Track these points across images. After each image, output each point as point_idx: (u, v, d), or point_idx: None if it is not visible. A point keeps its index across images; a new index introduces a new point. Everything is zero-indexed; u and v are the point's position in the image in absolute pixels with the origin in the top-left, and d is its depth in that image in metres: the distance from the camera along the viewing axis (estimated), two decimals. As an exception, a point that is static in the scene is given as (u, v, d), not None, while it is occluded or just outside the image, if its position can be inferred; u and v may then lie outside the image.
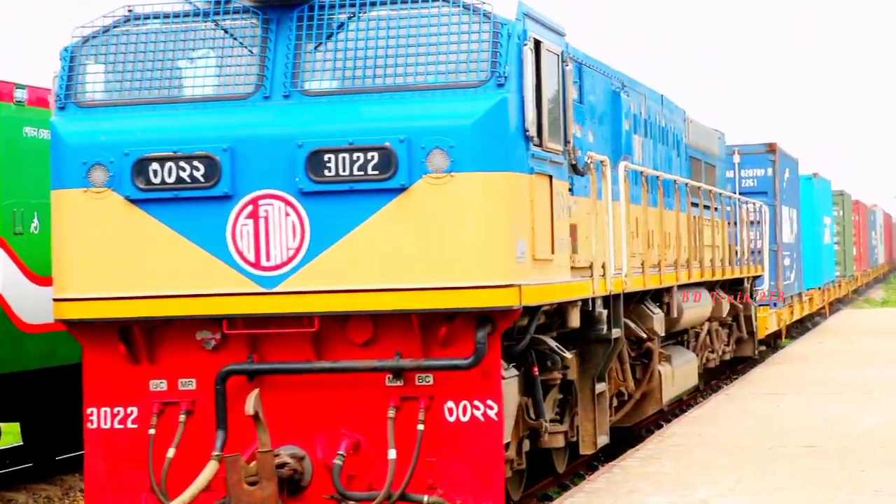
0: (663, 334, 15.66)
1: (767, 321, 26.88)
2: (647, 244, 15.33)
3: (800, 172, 35.53)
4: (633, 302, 15.03)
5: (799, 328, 35.22)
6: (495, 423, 10.26)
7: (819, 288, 39.17)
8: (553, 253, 11.09)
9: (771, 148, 28.85)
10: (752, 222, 26.55)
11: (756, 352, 24.61)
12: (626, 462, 13.28)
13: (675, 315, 16.11)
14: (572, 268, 12.25)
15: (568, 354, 11.90)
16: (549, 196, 11.07)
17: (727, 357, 23.06)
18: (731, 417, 16.50)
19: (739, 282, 22.79)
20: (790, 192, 31.57)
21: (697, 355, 19.30)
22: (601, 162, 12.94)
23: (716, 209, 21.67)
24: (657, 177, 16.19)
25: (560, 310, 11.92)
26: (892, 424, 15.28)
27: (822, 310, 40.48)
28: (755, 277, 24.44)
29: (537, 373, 11.60)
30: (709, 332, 20.30)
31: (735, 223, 23.01)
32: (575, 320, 12.02)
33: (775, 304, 28.70)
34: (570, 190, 12.81)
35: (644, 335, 14.89)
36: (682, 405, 19.96)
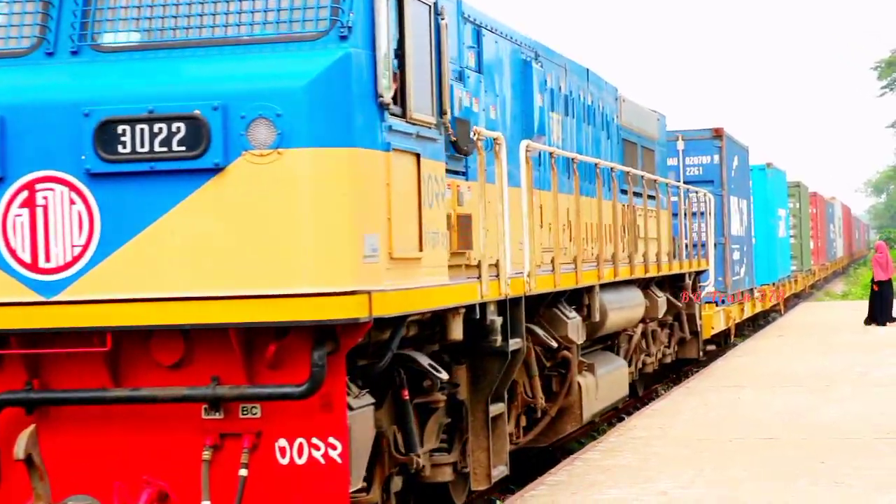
0: (581, 341, 13.52)
1: (714, 320, 24.82)
2: (560, 237, 13.20)
3: (752, 162, 33.57)
4: (545, 305, 12.89)
5: (751, 326, 33.21)
6: (339, 465, 8.09)
7: (773, 284, 37.18)
8: (421, 250, 8.93)
9: (717, 133, 26.79)
10: (697, 213, 24.55)
11: (701, 353, 22.54)
12: (587, 455, 13.22)
13: (597, 318, 13.99)
14: (459, 266, 10.10)
15: (443, 375, 9.72)
16: (415, 178, 8.90)
17: (668, 360, 21.00)
18: (692, 410, 16.45)
19: (681, 278, 20.72)
20: (740, 182, 29.54)
21: (630, 360, 17.19)
22: (493, 139, 10.78)
23: (651, 197, 19.57)
24: (572, 159, 14.03)
25: (439, 319, 9.78)
26: (850, 416, 15.21)
27: (777, 307, 38.49)
28: (699, 273, 22.37)
29: (408, 396, 9.46)
30: (644, 335, 18.20)
31: (681, 214, 20.96)
32: (457, 332, 9.86)
33: (723, 302, 26.65)
34: (462, 174, 10.67)
35: (556, 344, 12.75)
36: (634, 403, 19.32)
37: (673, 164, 26.52)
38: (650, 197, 19.95)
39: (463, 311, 9.89)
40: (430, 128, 9.21)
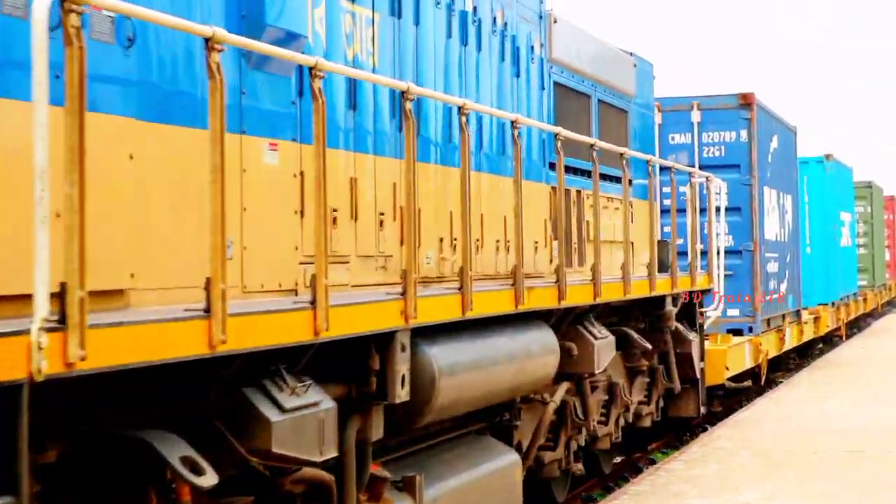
0: (328, 455, 6.61)
1: (731, 357, 17.86)
2: (345, 233, 6.51)
3: (805, 153, 26.68)
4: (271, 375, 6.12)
5: (794, 360, 26.04)
6: None
7: (832, 304, 30.06)
8: None
9: (745, 101, 19.81)
10: (710, 207, 17.67)
11: (702, 409, 15.64)
12: (670, 465, 13.03)
13: (400, 396, 7.10)
14: None
15: None
16: None
17: (647, 422, 14.15)
18: (776, 421, 16.16)
19: (673, 301, 13.88)
20: (781, 170, 22.53)
21: (529, 451, 10.30)
22: None
23: (616, 180, 12.81)
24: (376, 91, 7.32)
25: None
26: None
27: (837, 332, 31.31)
28: (702, 292, 15.46)
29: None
30: (582, 396, 11.37)
31: (674, 208, 14.13)
32: None
33: (750, 330, 19.66)
34: None
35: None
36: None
37: (684, 143, 19.66)
38: (613, 179, 13.19)
39: None
40: None
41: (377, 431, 7.01)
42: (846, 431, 14.85)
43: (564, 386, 10.72)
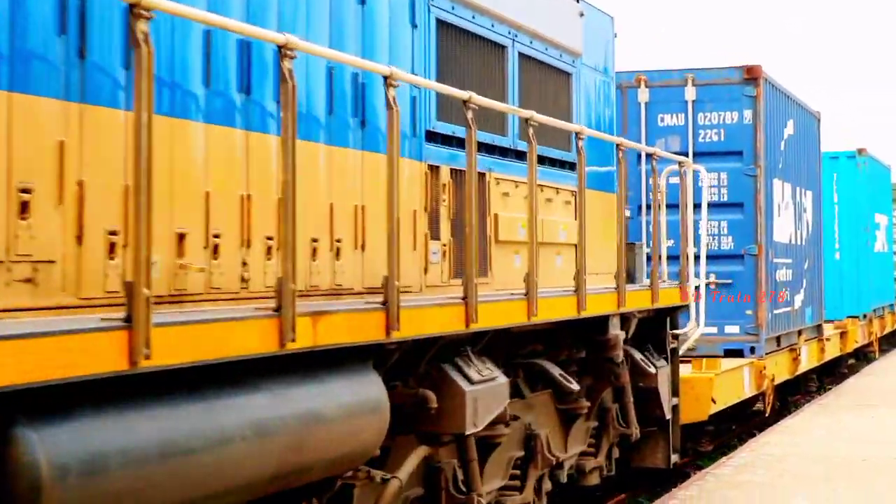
0: None
1: (718, 386, 14.47)
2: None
3: (834, 147, 23.23)
4: None
5: (815, 383, 22.49)
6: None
7: (864, 316, 26.57)
8: None
9: (751, 75, 16.36)
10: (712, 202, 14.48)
11: (673, 457, 12.30)
12: (718, 470, 12.78)
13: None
14: None
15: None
16: None
17: (593, 480, 10.86)
18: (825, 427, 15.88)
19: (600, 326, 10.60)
20: (798, 161, 19.10)
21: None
22: None
23: (561, 164, 9.55)
24: None
25: None
26: None
27: (869, 347, 27.79)
28: (674, 309, 12.12)
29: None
30: (464, 461, 8.05)
31: (649, 205, 10.93)
32: None
33: (752, 350, 16.26)
34: None
35: None
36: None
37: (675, 125, 16.39)
38: (556, 163, 9.97)
39: None
40: None
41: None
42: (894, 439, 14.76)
43: (421, 452, 7.40)
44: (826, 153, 27.16)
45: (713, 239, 16.25)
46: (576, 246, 9.71)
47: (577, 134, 9.66)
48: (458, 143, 8.46)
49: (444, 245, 8.34)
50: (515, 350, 9.15)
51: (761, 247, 16.23)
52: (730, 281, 16.20)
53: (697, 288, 14.18)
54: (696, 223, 16.02)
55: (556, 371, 9.15)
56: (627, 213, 13.42)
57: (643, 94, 16.42)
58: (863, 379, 22.32)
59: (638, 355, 11.00)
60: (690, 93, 16.32)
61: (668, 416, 11.90)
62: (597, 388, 10.71)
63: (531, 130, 8.45)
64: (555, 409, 10.04)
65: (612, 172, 11.67)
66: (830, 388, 22.49)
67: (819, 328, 20.93)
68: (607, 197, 11.57)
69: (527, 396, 9.26)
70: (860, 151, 26.84)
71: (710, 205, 16.27)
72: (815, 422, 16.39)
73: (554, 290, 9.00)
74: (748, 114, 16.29)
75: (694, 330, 12.60)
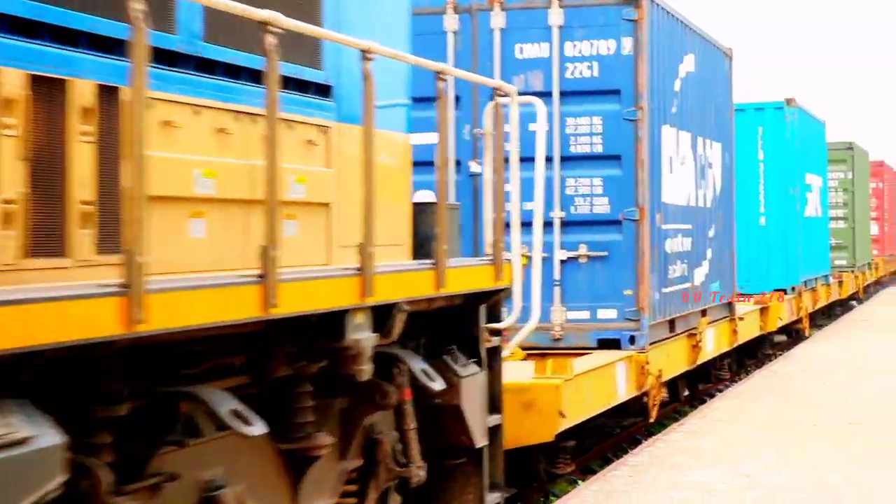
0: None
1: (569, 395, 11.05)
2: None
3: (760, 97, 19.99)
4: None
5: (730, 367, 19.13)
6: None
7: (792, 289, 23.39)
8: None
9: (629, -5, 12.99)
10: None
11: (491, 500, 8.91)
12: (669, 436, 12.83)
13: None
14: None
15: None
16: None
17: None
18: (775, 393, 15.94)
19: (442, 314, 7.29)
20: (701, 107, 15.76)
21: None
22: None
23: (291, 85, 6.05)
24: None
25: None
26: None
27: (798, 324, 24.58)
28: (491, 295, 8.74)
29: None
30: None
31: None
32: None
33: (632, 340, 12.93)
34: None
35: None
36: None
37: (537, 57, 13.10)
38: (291, 84, 6.55)
39: None
40: None
41: None
42: (846, 405, 14.78)
43: None
44: (750, 104, 23.98)
45: (584, 200, 12.94)
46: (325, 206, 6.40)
47: (364, 53, 6.55)
48: (54, 33, 5.12)
49: (10, 203, 4.97)
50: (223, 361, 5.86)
51: (643, 210, 12.90)
52: (605, 253, 12.91)
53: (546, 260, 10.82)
54: (549, 179, 12.74)
55: (225, 404, 5.72)
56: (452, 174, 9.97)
57: (497, 19, 13.06)
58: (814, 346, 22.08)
59: (418, 365, 7.63)
60: (556, 16, 12.95)
61: (481, 442, 8.57)
62: (355, 413, 7.38)
63: (270, 41, 5.35)
64: (274, 452, 6.69)
65: (398, 107, 8.30)
66: (749, 374, 19.32)
67: (730, 306, 17.66)
68: (393, 140, 8.20)
69: (190, 443, 5.87)
70: (788, 102, 23.65)
71: (581, 157, 13.00)
72: (765, 388, 16.60)
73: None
74: (627, 42, 12.93)
75: (520, 322, 9.21)
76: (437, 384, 7.69)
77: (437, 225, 7.81)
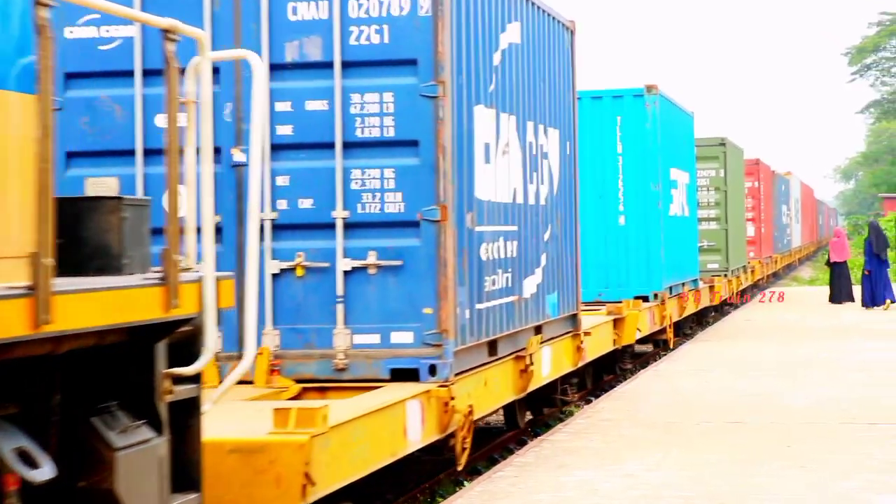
0: None
1: (318, 454, 8.40)
2: None
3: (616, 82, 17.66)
4: None
5: (573, 390, 16.60)
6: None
7: (654, 297, 21.10)
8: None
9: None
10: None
11: None
12: (554, 437, 13.08)
13: None
14: None
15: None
16: None
17: None
18: (660, 393, 16.21)
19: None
20: (533, 85, 13.28)
21: None
22: None
23: None
24: None
25: None
26: (818, 401, 15.14)
27: (662, 335, 22.24)
28: (171, 327, 6.16)
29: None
30: None
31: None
32: None
33: (432, 371, 10.38)
34: None
35: None
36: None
37: (315, 19, 10.63)
38: None
39: None
40: None
41: None
42: (729, 404, 15.01)
43: None
44: (608, 90, 21.68)
45: (373, 197, 10.43)
46: None
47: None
48: None
49: None
50: None
51: (446, 208, 10.38)
52: (399, 262, 10.42)
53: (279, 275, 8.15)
54: (328, 171, 10.27)
55: None
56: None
57: (263, -28, 10.49)
58: (698, 346, 22.47)
59: (7, 445, 5.04)
60: (335, -31, 10.41)
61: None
62: None
63: None
64: None
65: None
66: (600, 395, 16.97)
67: (574, 319, 15.24)
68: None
69: None
70: (650, 88, 21.37)
71: (370, 143, 10.53)
72: (651, 387, 16.79)
73: None
74: (425, 1, 10.43)
75: (210, 361, 6.63)
76: (43, 471, 5.10)
77: (98, 230, 5.24)
